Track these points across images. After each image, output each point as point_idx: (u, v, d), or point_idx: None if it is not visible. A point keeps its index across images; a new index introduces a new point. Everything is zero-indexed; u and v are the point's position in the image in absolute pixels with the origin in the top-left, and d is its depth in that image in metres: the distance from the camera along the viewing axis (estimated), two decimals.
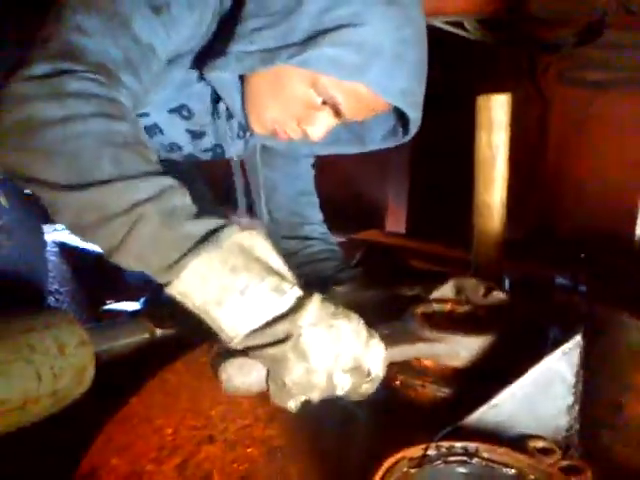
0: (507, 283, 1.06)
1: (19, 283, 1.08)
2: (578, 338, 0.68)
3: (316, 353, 0.64)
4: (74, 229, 0.72)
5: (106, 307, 1.64)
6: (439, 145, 1.84)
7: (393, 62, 0.88)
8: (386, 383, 0.80)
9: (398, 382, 0.79)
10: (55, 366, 0.72)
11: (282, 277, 0.68)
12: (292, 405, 0.67)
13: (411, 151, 2.01)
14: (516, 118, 0.96)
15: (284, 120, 0.97)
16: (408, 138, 1.05)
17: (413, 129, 1.01)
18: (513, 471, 0.58)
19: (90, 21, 0.76)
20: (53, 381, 0.71)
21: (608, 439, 0.62)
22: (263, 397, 0.76)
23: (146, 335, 0.98)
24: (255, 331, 0.66)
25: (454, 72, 1.78)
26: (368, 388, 0.70)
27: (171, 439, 0.68)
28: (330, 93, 0.91)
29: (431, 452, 0.59)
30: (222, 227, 0.67)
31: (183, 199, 0.70)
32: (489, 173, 0.96)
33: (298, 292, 0.67)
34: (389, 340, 0.73)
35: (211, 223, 0.68)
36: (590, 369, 0.66)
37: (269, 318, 0.66)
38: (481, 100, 0.95)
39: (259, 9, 0.88)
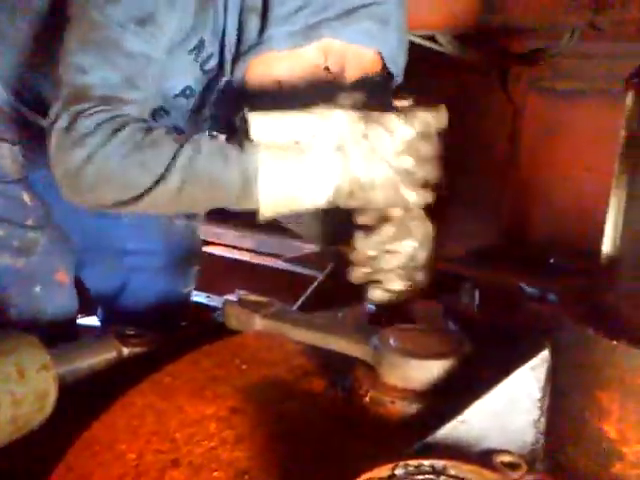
0: (477, 294, 1.06)
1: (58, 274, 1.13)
2: (545, 353, 0.68)
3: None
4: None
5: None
6: None
7: (400, 34, 1.04)
8: (355, 400, 0.80)
9: (367, 399, 0.79)
10: (15, 392, 0.70)
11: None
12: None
13: None
14: (489, 126, 0.96)
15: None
16: None
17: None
18: None
19: (86, 57, 0.89)
20: (12, 407, 0.69)
21: (572, 453, 0.63)
22: (229, 419, 0.76)
23: (113, 354, 0.96)
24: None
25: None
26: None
27: (134, 465, 0.66)
28: (342, 59, 1.00)
29: (399, 471, 0.58)
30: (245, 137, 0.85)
31: (207, 146, 0.86)
32: None
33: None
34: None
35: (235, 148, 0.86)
36: (555, 383, 0.67)
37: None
38: None
39: None
